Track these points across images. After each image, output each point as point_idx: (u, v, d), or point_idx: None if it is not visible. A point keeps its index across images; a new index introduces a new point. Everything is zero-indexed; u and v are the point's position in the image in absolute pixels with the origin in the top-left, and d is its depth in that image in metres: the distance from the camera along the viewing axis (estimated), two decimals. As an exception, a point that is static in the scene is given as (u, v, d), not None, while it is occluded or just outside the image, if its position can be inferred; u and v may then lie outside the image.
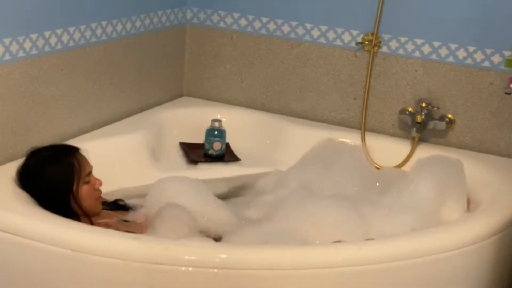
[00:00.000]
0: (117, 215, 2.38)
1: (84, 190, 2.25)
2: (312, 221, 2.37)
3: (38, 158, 2.28)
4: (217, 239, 2.32)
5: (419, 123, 2.84)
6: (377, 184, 2.78)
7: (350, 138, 2.97)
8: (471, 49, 2.82)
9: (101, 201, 2.34)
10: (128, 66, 2.94)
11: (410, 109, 2.93)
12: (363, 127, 2.95)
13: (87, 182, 2.27)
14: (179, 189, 2.47)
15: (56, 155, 2.28)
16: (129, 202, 2.51)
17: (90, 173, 2.29)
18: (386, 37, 2.93)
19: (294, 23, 3.07)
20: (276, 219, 2.43)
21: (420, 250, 2.11)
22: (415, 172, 2.68)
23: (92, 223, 2.25)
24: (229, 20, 3.17)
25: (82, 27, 2.66)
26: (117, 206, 2.47)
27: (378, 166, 2.89)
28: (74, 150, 2.31)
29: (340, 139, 2.96)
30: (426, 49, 2.88)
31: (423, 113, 2.84)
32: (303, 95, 3.12)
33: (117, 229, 2.20)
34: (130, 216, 2.41)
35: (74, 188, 2.23)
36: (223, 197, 2.74)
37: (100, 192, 2.32)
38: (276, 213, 2.47)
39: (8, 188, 2.23)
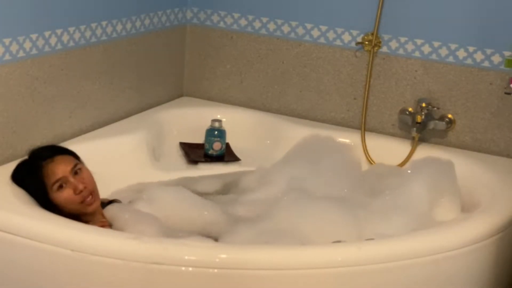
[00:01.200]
0: None
1: (58, 197, 2.20)
2: (310, 221, 2.36)
3: (19, 165, 2.28)
4: (215, 239, 2.31)
5: (419, 123, 2.84)
6: (373, 183, 2.77)
7: (350, 138, 2.97)
8: (471, 49, 2.82)
9: (90, 202, 2.23)
10: (128, 66, 2.93)
11: (410, 109, 2.93)
12: (363, 127, 2.95)
13: (59, 189, 2.19)
14: (165, 199, 2.44)
15: (29, 164, 2.26)
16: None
17: (59, 180, 2.19)
18: (386, 37, 2.93)
19: (294, 23, 3.07)
20: (273, 218, 2.42)
21: (420, 250, 2.11)
22: (408, 175, 2.68)
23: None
24: (229, 20, 3.17)
25: (82, 27, 2.66)
26: None
27: (377, 166, 2.90)
28: (43, 159, 2.22)
29: (339, 139, 2.96)
30: (426, 49, 2.88)
31: (423, 113, 2.84)
32: (303, 95, 3.12)
33: None
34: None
35: (49, 196, 2.20)
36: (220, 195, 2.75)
37: (88, 193, 2.22)
38: (273, 212, 2.46)
39: (8, 188, 2.23)
